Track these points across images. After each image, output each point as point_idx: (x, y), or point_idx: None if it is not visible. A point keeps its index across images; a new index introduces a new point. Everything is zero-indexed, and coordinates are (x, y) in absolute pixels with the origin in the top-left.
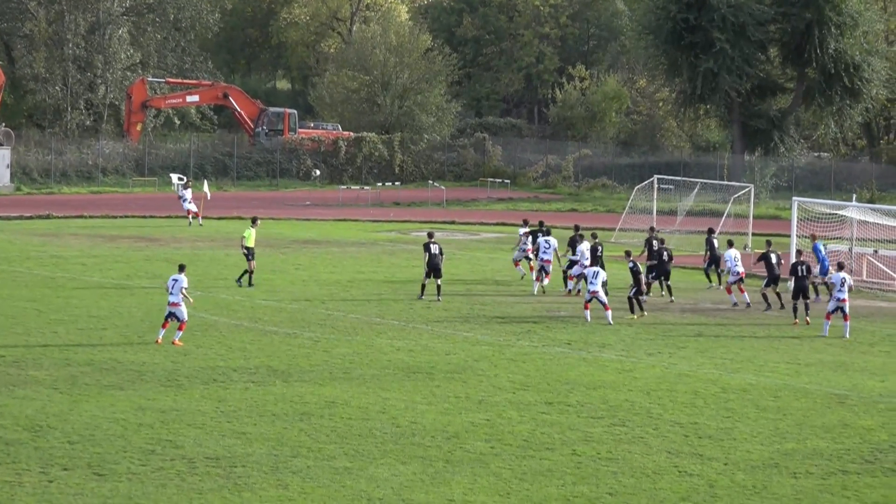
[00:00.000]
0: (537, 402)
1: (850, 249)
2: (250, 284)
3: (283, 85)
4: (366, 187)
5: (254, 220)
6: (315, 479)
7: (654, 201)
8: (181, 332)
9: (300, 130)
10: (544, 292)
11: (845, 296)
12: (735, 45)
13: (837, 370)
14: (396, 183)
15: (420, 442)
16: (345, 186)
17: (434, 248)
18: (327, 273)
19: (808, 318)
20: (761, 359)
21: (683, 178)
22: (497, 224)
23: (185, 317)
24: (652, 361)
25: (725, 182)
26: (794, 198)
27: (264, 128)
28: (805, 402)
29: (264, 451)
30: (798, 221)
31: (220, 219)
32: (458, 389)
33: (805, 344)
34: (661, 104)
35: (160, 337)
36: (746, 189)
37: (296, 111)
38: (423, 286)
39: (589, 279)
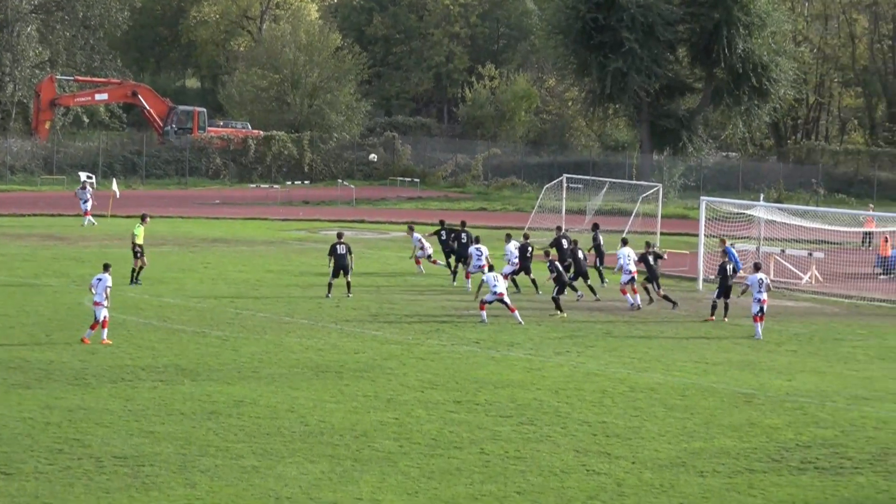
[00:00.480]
0: (446, 400)
1: (758, 249)
2: (137, 282)
3: (192, 83)
4: (275, 186)
5: (143, 218)
6: (223, 477)
7: (563, 200)
8: (106, 330)
9: (209, 129)
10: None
11: (765, 296)
12: (644, 44)
13: (744, 369)
14: (306, 182)
15: (328, 441)
16: (254, 185)
17: (341, 249)
18: (236, 272)
19: (726, 318)
20: (669, 358)
21: (592, 178)
22: (406, 223)
23: (103, 317)
24: (560, 360)
25: (634, 181)
26: (702, 197)
27: (173, 126)
28: (712, 402)
29: (172, 450)
30: (706, 221)
31: (128, 217)
32: (366, 388)
33: (712, 343)
34: (570, 103)
35: (105, 337)
36: (655, 188)
37: (205, 110)
38: (330, 285)
39: (490, 283)
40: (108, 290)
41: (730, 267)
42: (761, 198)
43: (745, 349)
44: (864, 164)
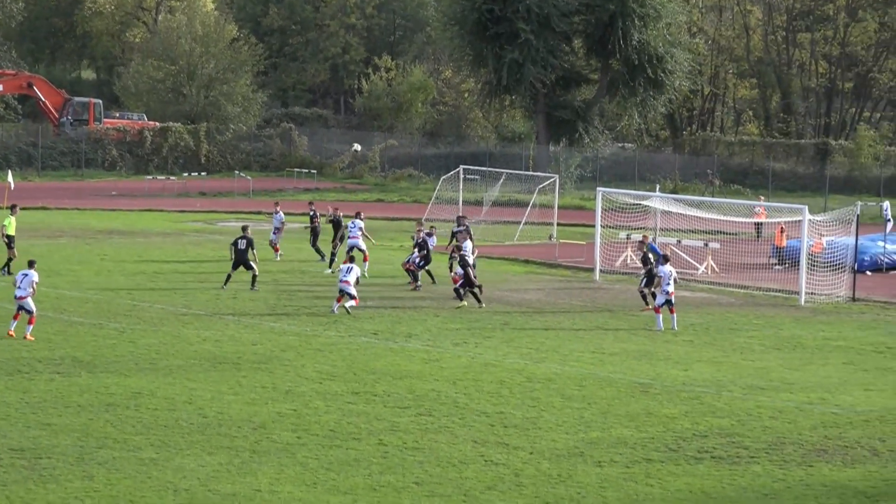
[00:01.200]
0: (344, 392)
1: (654, 239)
2: (9, 272)
3: (88, 75)
4: (172, 177)
5: (13, 208)
6: (121, 470)
7: (461, 192)
8: (31, 326)
9: (105, 120)
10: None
11: (672, 288)
12: (540, 36)
13: (641, 359)
14: (202, 173)
15: (227, 432)
16: (151, 177)
17: (241, 244)
18: (133, 263)
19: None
20: (566, 348)
21: (489, 169)
22: (303, 214)
23: (34, 308)
24: (458, 351)
25: (531, 172)
26: (598, 188)
27: (69, 118)
28: (609, 392)
29: (69, 443)
30: (602, 212)
31: (24, 209)
32: (264, 380)
33: (609, 334)
34: (466, 95)
35: (12, 328)
36: (551, 179)
37: (101, 101)
38: (228, 276)
39: (342, 274)
40: (35, 284)
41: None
42: (657, 188)
43: (641, 339)
44: (759, 154)
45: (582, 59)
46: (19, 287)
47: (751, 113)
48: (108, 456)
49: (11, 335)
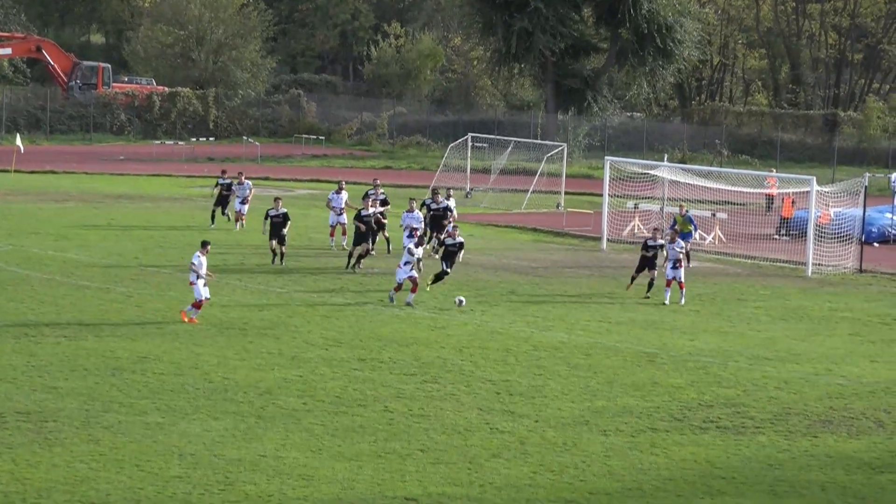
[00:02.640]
0: (350, 358)
1: (662, 209)
2: None
3: (97, 39)
4: (180, 142)
5: None
6: (127, 433)
7: (469, 159)
8: (192, 309)
9: (114, 85)
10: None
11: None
12: (549, 4)
13: (648, 329)
14: (211, 138)
15: (232, 398)
16: (159, 141)
17: (277, 217)
18: (140, 228)
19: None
20: (573, 317)
21: (497, 137)
22: (311, 181)
23: (204, 297)
24: (464, 319)
25: (539, 141)
26: (606, 157)
27: (78, 82)
28: (615, 361)
29: (76, 406)
30: (610, 181)
31: (32, 173)
32: (270, 345)
33: (616, 303)
34: (475, 63)
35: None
36: (560, 148)
37: (110, 65)
38: (274, 251)
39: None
40: (193, 267)
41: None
42: (665, 158)
43: (648, 309)
44: (768, 125)
45: (591, 27)
46: (192, 273)
47: (760, 83)
48: (114, 420)
49: (193, 321)
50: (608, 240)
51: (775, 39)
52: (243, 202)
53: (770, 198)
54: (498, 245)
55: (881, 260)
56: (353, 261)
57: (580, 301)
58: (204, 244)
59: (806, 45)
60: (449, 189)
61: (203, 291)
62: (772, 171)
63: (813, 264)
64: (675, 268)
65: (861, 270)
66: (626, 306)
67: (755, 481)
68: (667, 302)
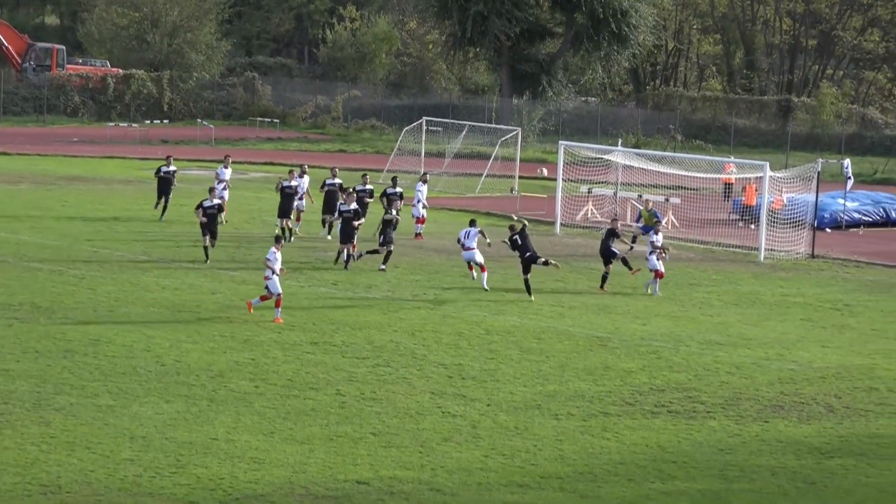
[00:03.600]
0: (302, 341)
1: (615, 194)
2: None
3: (51, 20)
4: (134, 125)
5: None
6: (78, 416)
7: (423, 143)
8: (279, 309)
9: (68, 66)
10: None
11: (660, 243)
12: None
13: (600, 313)
14: (165, 121)
15: (184, 381)
16: (113, 124)
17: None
18: (94, 210)
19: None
20: (525, 301)
21: (452, 121)
22: (265, 164)
23: (279, 290)
24: (417, 303)
25: (493, 125)
26: (560, 141)
27: (32, 63)
28: (568, 345)
29: (27, 389)
30: (565, 165)
31: None
32: (223, 329)
33: (569, 287)
34: (430, 46)
35: (278, 316)
36: (514, 132)
37: (64, 47)
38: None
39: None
40: (278, 263)
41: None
42: (619, 143)
43: (600, 294)
44: (722, 110)
45: (546, 12)
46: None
47: (714, 69)
48: (66, 402)
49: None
50: (562, 224)
51: (730, 25)
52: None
53: (728, 185)
54: (451, 229)
55: (833, 246)
56: (341, 257)
57: (533, 285)
58: (277, 239)
59: (760, 31)
60: (425, 173)
61: (277, 285)
62: (730, 158)
63: (766, 250)
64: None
65: (813, 256)
66: (578, 290)
67: (706, 466)
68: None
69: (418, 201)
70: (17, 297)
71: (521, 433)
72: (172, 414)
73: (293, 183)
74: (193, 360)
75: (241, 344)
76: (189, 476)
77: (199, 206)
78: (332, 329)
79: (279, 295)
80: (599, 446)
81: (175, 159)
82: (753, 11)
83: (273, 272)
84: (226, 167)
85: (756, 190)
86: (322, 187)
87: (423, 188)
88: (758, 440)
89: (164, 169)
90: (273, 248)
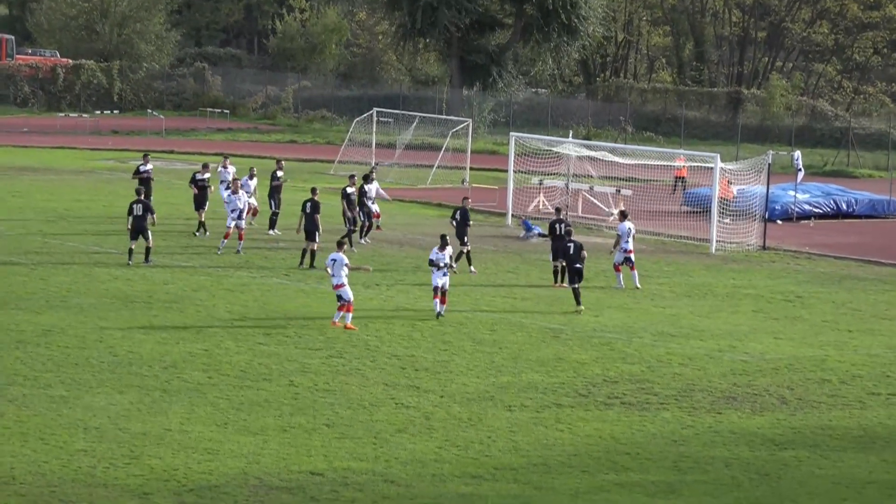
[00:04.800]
0: (255, 332)
1: (567, 185)
2: None
3: (0, 10)
4: (84, 115)
5: None
6: (31, 406)
7: (374, 134)
8: (350, 315)
9: (17, 57)
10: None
11: (631, 246)
12: None
13: (552, 304)
14: (115, 111)
15: (137, 371)
16: (63, 114)
17: (308, 208)
18: (45, 201)
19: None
20: (478, 292)
21: (402, 112)
22: (216, 154)
23: (351, 296)
24: (370, 294)
25: (444, 116)
26: (511, 133)
27: None
28: (520, 336)
29: None
30: (515, 157)
31: None
32: (175, 319)
33: (521, 278)
34: (380, 37)
35: (337, 319)
36: (465, 124)
37: (13, 37)
38: (305, 251)
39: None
40: (347, 268)
41: (560, 226)
42: (570, 134)
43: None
44: (672, 102)
45: (496, 3)
46: (333, 275)
47: (664, 60)
48: (18, 393)
49: (336, 325)
50: (513, 215)
51: (679, 16)
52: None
53: (680, 178)
54: (403, 220)
55: (784, 237)
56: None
57: (485, 276)
58: (340, 244)
59: (710, 23)
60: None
61: (349, 293)
62: (680, 158)
63: (717, 241)
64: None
65: (764, 248)
66: (531, 282)
67: (659, 457)
68: (636, 285)
69: (371, 200)
70: None
71: (474, 424)
72: (126, 405)
73: (206, 175)
74: (146, 351)
75: (194, 335)
76: (143, 467)
77: (192, 179)
78: (285, 320)
79: (349, 302)
80: (553, 438)
81: (124, 150)
82: (703, 3)
83: (334, 276)
84: (225, 167)
85: (729, 182)
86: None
87: (372, 186)
88: (711, 432)
89: (143, 168)
90: (339, 253)
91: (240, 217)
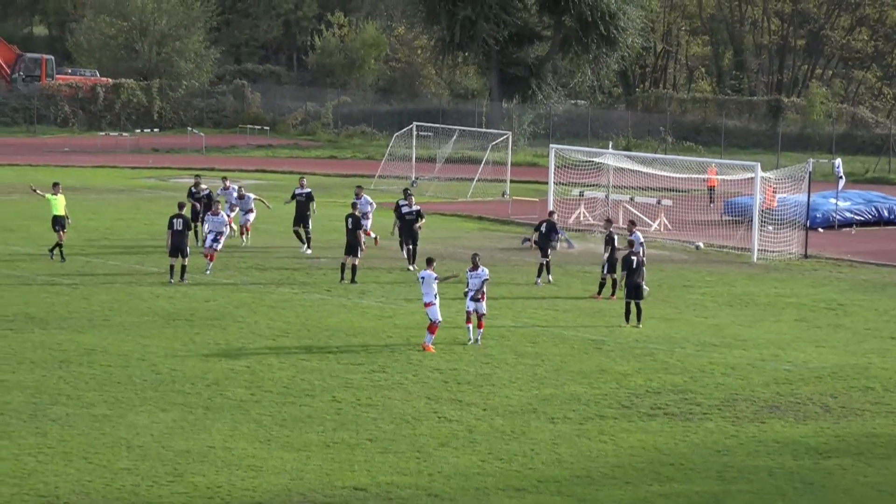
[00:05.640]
0: (297, 348)
1: (607, 196)
2: (62, 257)
3: (40, 30)
4: (124, 134)
5: (55, 186)
6: (74, 426)
7: (414, 148)
8: (432, 336)
9: (58, 76)
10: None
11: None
12: None
13: (594, 316)
14: (155, 129)
15: (180, 389)
16: (103, 133)
17: (350, 223)
18: (86, 220)
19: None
20: (519, 305)
21: (442, 126)
22: (256, 171)
23: (437, 317)
24: (411, 308)
25: (484, 129)
26: (551, 145)
27: (21, 74)
28: (563, 348)
29: (23, 399)
30: (556, 169)
31: None
32: (217, 336)
33: (562, 290)
34: (419, 51)
35: (429, 343)
36: (504, 136)
37: (53, 57)
38: (344, 266)
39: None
40: (437, 282)
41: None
42: (610, 146)
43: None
44: (712, 112)
45: (535, 15)
46: (424, 293)
47: (703, 70)
48: (62, 412)
49: (428, 349)
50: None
51: (718, 26)
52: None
53: (712, 188)
54: (444, 234)
55: (826, 245)
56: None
57: (527, 288)
58: (429, 261)
59: (749, 32)
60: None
61: (437, 312)
62: (713, 168)
63: (758, 250)
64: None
65: (806, 256)
66: (572, 293)
67: (703, 467)
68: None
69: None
70: (10, 308)
71: (517, 437)
72: (169, 423)
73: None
74: (189, 369)
75: (237, 351)
76: (186, 484)
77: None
78: (327, 336)
79: (433, 322)
80: (596, 449)
81: (165, 168)
82: (742, 12)
83: (425, 294)
84: (226, 188)
85: (774, 192)
86: (292, 197)
87: (362, 201)
88: (755, 441)
89: (195, 191)
90: (429, 271)
91: (216, 240)
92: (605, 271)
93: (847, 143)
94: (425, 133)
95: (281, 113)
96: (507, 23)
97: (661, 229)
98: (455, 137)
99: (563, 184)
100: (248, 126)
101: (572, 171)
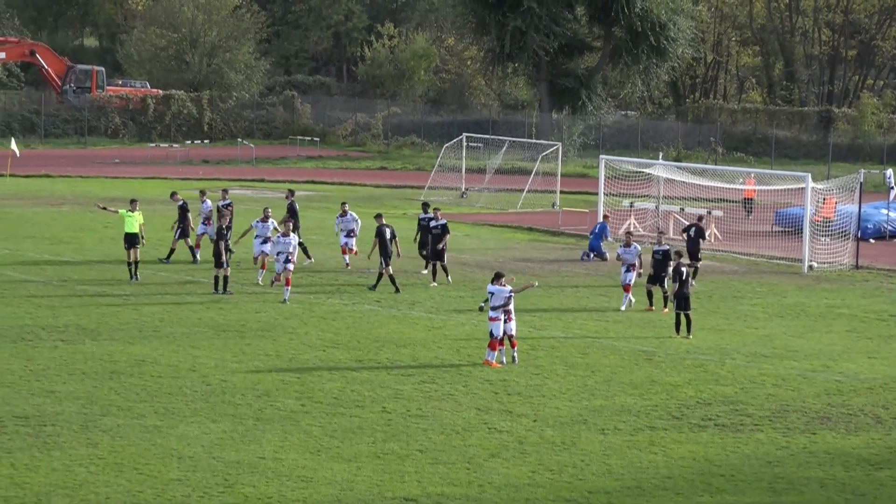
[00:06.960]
0: (347, 359)
1: (657, 207)
2: (135, 277)
3: (90, 42)
4: (175, 145)
5: (132, 203)
6: (125, 437)
7: (464, 159)
8: (495, 353)
9: (108, 88)
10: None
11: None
12: (542, 3)
13: (645, 327)
14: (205, 141)
15: (230, 400)
16: (153, 144)
17: (388, 233)
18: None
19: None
20: (569, 316)
21: (492, 136)
22: (307, 182)
23: (506, 331)
24: (461, 319)
25: (533, 140)
26: (601, 156)
27: (72, 85)
28: (613, 359)
29: (74, 410)
30: (606, 179)
31: (27, 177)
32: (268, 347)
33: (612, 302)
34: (469, 62)
35: (492, 358)
36: (554, 147)
37: (104, 69)
38: (382, 276)
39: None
40: (511, 296)
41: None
42: (660, 156)
43: (644, 308)
44: (762, 122)
45: (585, 26)
46: (491, 307)
47: (754, 80)
48: (113, 423)
49: (494, 365)
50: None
51: (769, 36)
52: (206, 223)
53: (749, 199)
54: (494, 245)
55: (877, 256)
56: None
57: (577, 300)
58: (498, 276)
59: (799, 42)
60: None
61: (500, 328)
62: (751, 178)
63: (809, 261)
64: (628, 271)
65: (857, 267)
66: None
67: (754, 479)
68: (622, 308)
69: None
70: (61, 319)
71: (567, 448)
72: (219, 433)
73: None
74: (239, 380)
75: (287, 362)
76: (237, 495)
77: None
78: (377, 346)
79: (496, 337)
80: (647, 461)
81: (215, 179)
82: (792, 22)
83: (491, 309)
84: (203, 201)
85: (836, 203)
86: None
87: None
88: (806, 452)
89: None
90: (495, 285)
91: (287, 261)
92: (651, 283)
93: None
94: (475, 144)
95: (331, 124)
96: (557, 34)
97: (712, 240)
98: (505, 148)
99: (613, 194)
100: (298, 137)
101: (622, 182)
